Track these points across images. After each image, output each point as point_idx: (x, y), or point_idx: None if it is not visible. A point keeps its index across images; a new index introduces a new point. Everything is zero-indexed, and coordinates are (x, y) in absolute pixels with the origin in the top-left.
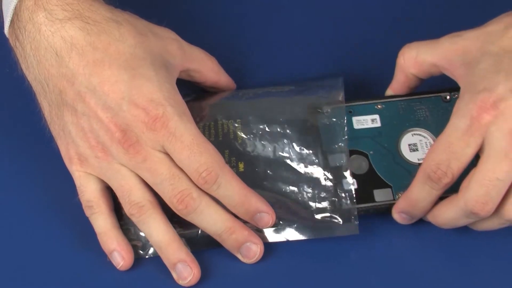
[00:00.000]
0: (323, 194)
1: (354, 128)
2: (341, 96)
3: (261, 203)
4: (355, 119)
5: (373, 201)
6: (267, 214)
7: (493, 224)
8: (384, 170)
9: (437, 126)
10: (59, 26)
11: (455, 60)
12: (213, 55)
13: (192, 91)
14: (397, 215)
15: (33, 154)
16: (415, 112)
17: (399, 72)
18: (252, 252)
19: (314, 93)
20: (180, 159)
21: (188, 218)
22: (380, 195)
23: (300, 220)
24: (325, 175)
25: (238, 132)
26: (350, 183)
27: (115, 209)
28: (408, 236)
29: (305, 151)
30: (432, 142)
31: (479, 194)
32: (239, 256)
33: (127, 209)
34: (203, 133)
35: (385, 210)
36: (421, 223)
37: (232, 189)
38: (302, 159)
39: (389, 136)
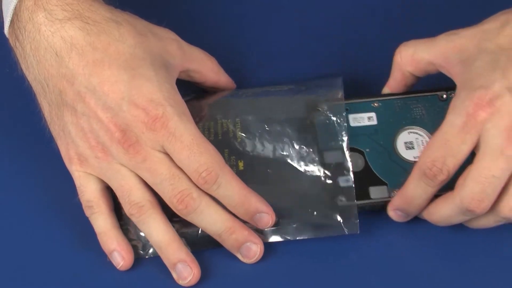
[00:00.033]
0: (323, 193)
1: (350, 126)
2: (340, 95)
3: (261, 203)
4: (351, 116)
5: (369, 198)
6: (266, 215)
7: (488, 222)
8: (380, 168)
9: (433, 124)
10: (59, 26)
11: (452, 58)
12: (213, 55)
13: (191, 91)
14: (392, 212)
15: (33, 154)
16: (412, 110)
17: (396, 70)
18: (252, 252)
19: (314, 92)
20: (180, 159)
21: (188, 218)
22: (376, 192)
23: (300, 219)
24: (325, 173)
25: (238, 131)
26: (351, 182)
27: (115, 209)
28: (408, 235)
29: (305, 149)
30: (428, 140)
31: (475, 191)
32: (239, 256)
33: (127, 209)
34: (203, 132)
35: (381, 207)
36: (421, 222)
37: (232, 189)
38: (302, 157)
39: (385, 134)
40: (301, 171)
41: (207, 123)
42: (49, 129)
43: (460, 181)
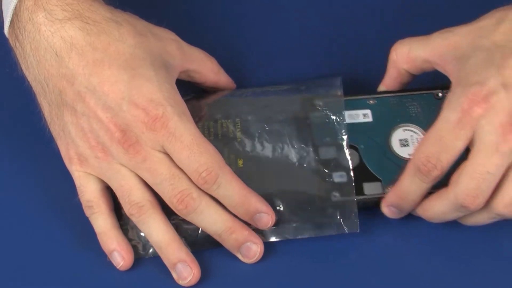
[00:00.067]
0: (323, 192)
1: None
2: (340, 94)
3: (261, 204)
4: (347, 113)
5: (363, 194)
6: (266, 215)
7: (482, 218)
8: (374, 164)
9: (428, 122)
10: (58, 26)
11: (447, 55)
12: (213, 55)
13: (191, 91)
14: (386, 208)
15: (33, 154)
16: (407, 108)
17: (391, 68)
18: (252, 251)
19: (313, 92)
20: (180, 159)
21: (188, 218)
22: (370, 189)
23: (300, 218)
24: (325, 172)
25: (238, 131)
26: (351, 180)
27: (115, 209)
28: (408, 234)
29: (305, 148)
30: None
31: (469, 187)
32: (239, 256)
33: (127, 209)
34: (203, 132)
35: (374, 204)
36: (421, 221)
37: (232, 189)
38: (301, 156)
39: (380, 131)
40: (300, 170)
41: (206, 123)
42: (49, 129)
43: (454, 177)
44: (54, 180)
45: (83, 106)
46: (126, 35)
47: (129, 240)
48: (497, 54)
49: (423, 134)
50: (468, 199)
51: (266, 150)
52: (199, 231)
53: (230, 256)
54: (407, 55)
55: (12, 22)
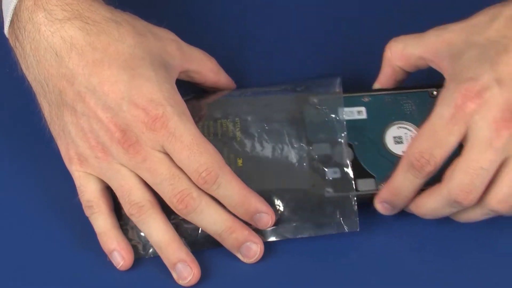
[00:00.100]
0: (322, 191)
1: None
2: (339, 93)
3: (261, 204)
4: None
5: (356, 190)
6: (266, 215)
7: (476, 215)
8: (368, 161)
9: (422, 120)
10: (58, 26)
11: (441, 52)
12: (213, 55)
13: (191, 91)
14: (379, 205)
15: (33, 154)
16: (402, 106)
17: (386, 65)
18: (252, 251)
19: (313, 91)
20: (180, 159)
21: (188, 217)
22: (363, 185)
23: (300, 217)
24: (324, 171)
25: (237, 131)
26: (351, 179)
27: (115, 209)
28: (408, 232)
29: (304, 147)
30: None
31: (463, 183)
32: (239, 256)
33: (127, 209)
34: (202, 132)
35: (368, 200)
36: (421, 219)
37: (232, 189)
38: (301, 155)
39: (374, 128)
40: (300, 169)
41: (206, 123)
42: (49, 129)
43: (448, 173)
44: (54, 180)
45: (83, 106)
46: (125, 35)
47: (129, 240)
48: (491, 50)
49: (417, 131)
50: (462, 195)
51: (266, 149)
52: (199, 231)
53: (230, 256)
54: (402, 53)
55: (12, 22)
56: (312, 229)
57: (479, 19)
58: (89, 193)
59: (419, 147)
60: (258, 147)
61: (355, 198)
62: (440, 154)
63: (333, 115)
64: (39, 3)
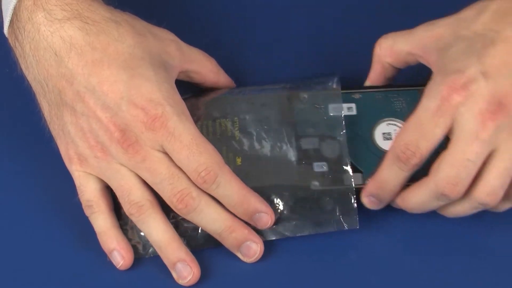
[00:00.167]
0: (322, 189)
1: (326, 114)
2: (337, 92)
3: (260, 203)
4: (331, 106)
5: (343, 184)
6: (266, 214)
7: (464, 208)
8: (356, 156)
9: None
10: (58, 26)
11: (429, 46)
12: (212, 55)
13: (190, 91)
14: (366, 199)
15: (33, 154)
16: (392, 103)
17: (376, 62)
18: (252, 250)
19: (311, 89)
20: (179, 158)
21: (188, 217)
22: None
23: (299, 215)
24: (324, 169)
25: (236, 129)
26: (350, 177)
27: (115, 208)
28: (408, 230)
29: (303, 146)
30: None
31: (449, 175)
32: (239, 255)
33: (126, 208)
34: (201, 131)
35: (355, 194)
36: (421, 217)
37: (231, 188)
38: (300, 154)
39: (363, 124)
40: (300, 167)
41: (205, 122)
42: (48, 128)
43: (434, 166)
44: (54, 180)
45: (82, 106)
46: (125, 35)
47: (129, 239)
48: (478, 43)
49: None
50: (448, 187)
51: (265, 148)
52: (199, 231)
53: (230, 256)
54: (391, 49)
55: (11, 22)
56: (312, 227)
57: (467, 13)
58: (88, 192)
59: (405, 139)
60: (256, 145)
61: (355, 196)
62: (426, 146)
63: (332, 114)
64: (39, 3)
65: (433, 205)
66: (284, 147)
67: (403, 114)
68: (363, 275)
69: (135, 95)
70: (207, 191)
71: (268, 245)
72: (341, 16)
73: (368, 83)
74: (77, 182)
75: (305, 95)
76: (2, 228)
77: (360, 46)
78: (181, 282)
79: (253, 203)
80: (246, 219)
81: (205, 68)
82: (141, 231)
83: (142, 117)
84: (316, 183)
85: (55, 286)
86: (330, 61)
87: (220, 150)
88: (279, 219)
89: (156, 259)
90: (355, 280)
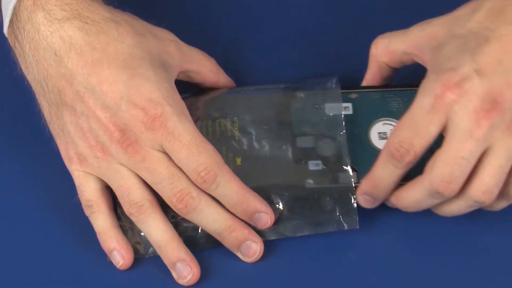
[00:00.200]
0: (322, 189)
1: (323, 114)
2: (337, 93)
3: (260, 203)
4: (331, 106)
5: (338, 183)
6: (265, 214)
7: (459, 207)
8: (351, 155)
9: None
10: (57, 26)
11: (424, 45)
12: (212, 55)
13: (190, 91)
14: (360, 197)
15: (33, 154)
16: (388, 103)
17: (372, 62)
18: (252, 250)
19: (311, 89)
20: (179, 158)
21: (188, 217)
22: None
23: (299, 215)
24: (323, 169)
25: (235, 129)
26: (350, 177)
27: (115, 208)
28: (408, 229)
29: (303, 145)
30: None
31: (444, 173)
32: (239, 255)
33: (126, 208)
34: (201, 131)
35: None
36: (421, 216)
37: (231, 188)
38: (300, 153)
39: (359, 123)
40: (299, 167)
41: (205, 122)
42: (48, 128)
43: (429, 164)
44: (54, 180)
45: (82, 106)
46: (125, 35)
47: (129, 239)
48: (472, 41)
49: None
50: (443, 185)
51: (264, 148)
52: (199, 230)
53: (230, 255)
54: (387, 49)
55: (11, 22)
56: (312, 227)
57: (461, 12)
58: (88, 192)
59: (399, 136)
60: (256, 145)
61: (355, 196)
62: (420, 144)
63: (331, 113)
64: (38, 3)
65: (427, 203)
66: (284, 147)
67: (399, 114)
68: (363, 275)
69: (134, 95)
70: (206, 191)
71: (268, 245)
72: (341, 16)
73: (364, 83)
74: (77, 182)
75: (305, 95)
76: (2, 228)
77: (359, 46)
78: (181, 282)
79: (253, 203)
80: (245, 219)
81: (205, 68)
82: (141, 231)
83: (141, 117)
84: (316, 182)
85: (55, 286)
86: (329, 61)
87: (220, 150)
88: (279, 219)
89: (156, 259)
90: (355, 280)
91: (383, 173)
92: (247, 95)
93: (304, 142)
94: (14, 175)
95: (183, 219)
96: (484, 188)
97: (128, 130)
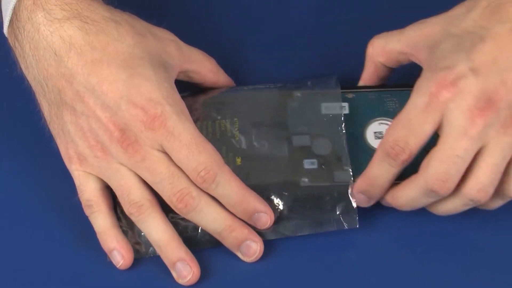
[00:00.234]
0: (321, 188)
1: (322, 113)
2: (337, 92)
3: (260, 203)
4: (323, 105)
5: (332, 181)
6: (265, 214)
7: (455, 206)
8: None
9: None
10: (57, 25)
11: (420, 45)
12: (212, 55)
13: (189, 90)
14: (355, 195)
15: (33, 154)
16: (385, 103)
17: (368, 62)
18: (252, 250)
19: (310, 89)
20: (179, 158)
21: (188, 216)
22: (340, 177)
23: (299, 215)
24: (323, 169)
25: (235, 129)
26: (350, 176)
27: (115, 208)
28: (408, 229)
29: (303, 145)
30: None
31: (439, 171)
32: (239, 254)
33: (126, 208)
34: (201, 130)
35: None
36: (421, 216)
37: (231, 188)
38: (299, 153)
39: (355, 123)
40: (299, 167)
41: (205, 122)
42: (48, 128)
43: (424, 163)
44: (54, 180)
45: (82, 106)
46: (125, 34)
47: (129, 239)
48: (467, 40)
49: None
50: (438, 184)
51: (264, 147)
52: (199, 230)
53: (230, 255)
54: (383, 49)
55: (11, 21)
56: (312, 227)
57: (457, 11)
58: (88, 192)
59: (394, 135)
60: (256, 145)
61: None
62: (415, 142)
63: (331, 113)
64: (38, 3)
65: (422, 202)
66: (284, 147)
67: (395, 114)
68: (363, 275)
69: (134, 95)
70: (206, 191)
71: (268, 245)
72: (340, 16)
73: (361, 83)
74: (77, 181)
75: (305, 95)
76: (2, 228)
77: (358, 46)
78: (181, 281)
79: (253, 203)
80: (245, 218)
81: (204, 68)
82: (141, 231)
83: (141, 117)
84: (316, 182)
85: (55, 286)
86: (328, 61)
87: (220, 150)
88: (279, 218)
89: (156, 259)
90: (355, 280)
91: (379, 171)
92: (248, 95)
93: (303, 141)
94: (14, 175)
95: (183, 219)
96: (479, 187)
97: (128, 130)
